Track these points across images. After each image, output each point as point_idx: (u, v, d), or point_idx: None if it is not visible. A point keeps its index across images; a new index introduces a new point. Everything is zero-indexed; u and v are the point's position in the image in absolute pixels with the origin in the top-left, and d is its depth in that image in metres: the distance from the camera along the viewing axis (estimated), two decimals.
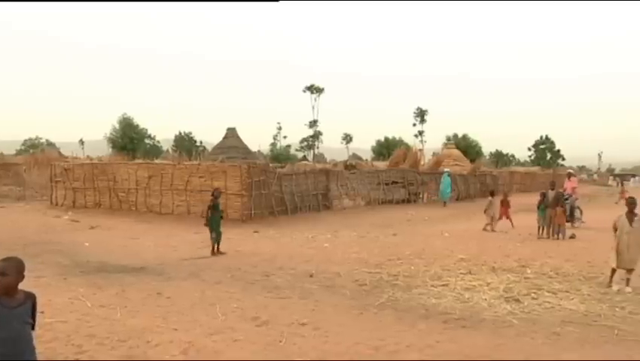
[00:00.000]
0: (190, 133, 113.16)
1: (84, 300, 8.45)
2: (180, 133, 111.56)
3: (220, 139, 32.52)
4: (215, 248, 13.29)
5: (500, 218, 19.62)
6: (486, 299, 8.89)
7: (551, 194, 17.84)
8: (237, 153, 30.12)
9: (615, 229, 10.11)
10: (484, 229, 18.82)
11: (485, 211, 19.51)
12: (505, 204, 20.13)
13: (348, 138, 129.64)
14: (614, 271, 9.99)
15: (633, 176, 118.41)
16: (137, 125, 64.93)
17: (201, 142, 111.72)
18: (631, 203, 10.25)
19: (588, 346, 6.73)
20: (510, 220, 19.80)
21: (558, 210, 17.19)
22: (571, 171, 28.48)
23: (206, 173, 21.87)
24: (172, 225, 19.48)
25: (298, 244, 15.10)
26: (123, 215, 22.24)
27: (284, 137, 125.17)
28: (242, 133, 32.39)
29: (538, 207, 17.80)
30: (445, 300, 8.84)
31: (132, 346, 6.41)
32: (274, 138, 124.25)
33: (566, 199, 18.98)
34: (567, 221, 18.41)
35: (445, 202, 31.43)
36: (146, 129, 71.33)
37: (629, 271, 9.90)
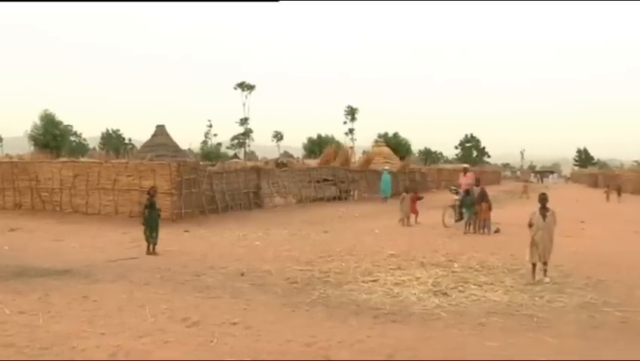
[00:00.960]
0: (118, 130, 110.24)
1: (2, 307, 8.04)
2: (107, 130, 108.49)
3: (149, 137, 31.70)
4: (151, 248, 12.99)
5: (412, 213, 20.47)
6: (415, 293, 9.11)
7: (476, 190, 18.42)
8: (167, 151, 29.39)
9: (530, 225, 10.56)
10: (402, 224, 19.57)
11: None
12: (414, 200, 20.89)
13: (279, 136, 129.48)
14: (534, 265, 10.43)
15: (552, 173, 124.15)
16: (60, 122, 62.40)
17: (130, 140, 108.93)
18: (543, 199, 10.72)
19: (510, 334, 7.01)
20: (416, 216, 20.72)
21: (483, 206, 17.79)
22: (466, 165, 26.49)
23: (135, 172, 21.30)
24: (98, 225, 18.88)
25: (229, 243, 14.98)
26: (47, 216, 21.37)
27: (215, 135, 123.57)
28: (171, 130, 31.62)
29: (463, 204, 18.38)
30: (375, 295, 9.00)
31: (57, 353, 6.16)
32: (205, 136, 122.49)
33: (467, 195, 19.16)
34: (457, 220, 18.97)
35: (386, 199, 31.84)
36: (71, 126, 68.91)
37: (545, 263, 10.40)
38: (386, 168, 36.26)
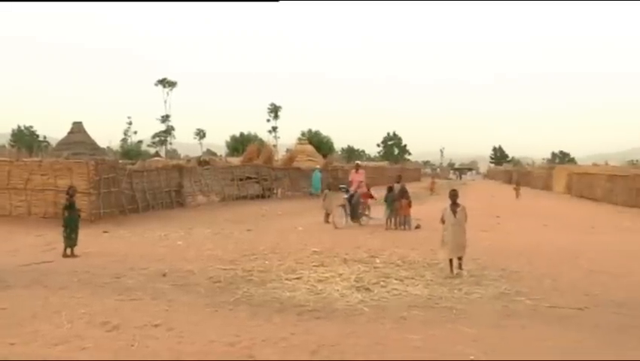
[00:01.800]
0: (31, 127, 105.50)
1: None
2: (19, 127, 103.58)
3: (66, 134, 30.45)
4: (69, 251, 12.48)
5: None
6: (338, 290, 9.22)
7: (397, 187, 18.86)
8: (84, 149, 28.33)
9: (443, 222, 10.92)
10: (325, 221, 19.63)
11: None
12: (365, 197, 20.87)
13: (201, 134, 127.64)
14: (450, 260, 10.75)
15: (470, 170, 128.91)
16: None
17: (45, 137, 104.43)
18: (453, 195, 11.06)
19: (430, 326, 7.24)
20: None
21: (403, 202, 18.24)
22: (358, 162, 24.89)
23: (49, 170, 20.39)
24: (9, 228, 17.95)
25: (150, 243, 14.64)
26: None
27: (135, 132, 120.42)
28: (89, 128, 30.49)
29: (385, 200, 18.78)
30: (299, 293, 9.05)
31: None
32: (124, 134, 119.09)
33: (352, 195, 19.00)
34: (355, 218, 18.89)
35: (317, 195, 32.02)
36: None
37: (460, 258, 10.76)
38: (317, 167, 36.84)
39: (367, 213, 19.59)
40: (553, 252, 13.82)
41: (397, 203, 18.29)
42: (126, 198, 21.92)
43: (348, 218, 18.85)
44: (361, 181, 19.37)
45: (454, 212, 10.84)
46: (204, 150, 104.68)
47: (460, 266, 10.68)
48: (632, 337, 7.09)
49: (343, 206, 18.91)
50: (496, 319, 7.72)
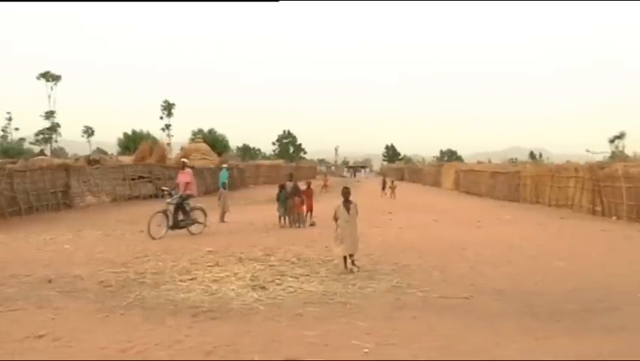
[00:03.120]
0: None
1: None
2: None
3: None
4: None
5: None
6: (233, 289, 9.16)
7: (289, 185, 18.89)
8: None
9: (336, 219, 11.14)
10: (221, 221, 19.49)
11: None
12: (308, 195, 20.49)
13: (89, 131, 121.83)
14: (345, 257, 10.93)
15: (364, 167, 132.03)
16: None
17: None
18: (345, 193, 11.28)
19: (325, 321, 7.36)
20: (310, 212, 19.78)
21: (296, 200, 18.36)
22: (185, 160, 20.25)
23: None
24: None
25: (35, 248, 13.82)
26: None
27: (17, 129, 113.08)
28: None
29: (278, 199, 18.77)
30: (194, 294, 8.90)
31: None
32: (3, 130, 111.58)
33: (185, 199, 16.26)
34: (180, 227, 16.00)
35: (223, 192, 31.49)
36: None
37: (352, 255, 10.96)
38: (225, 165, 36.38)
39: (300, 218, 18.75)
40: (442, 246, 14.46)
41: (291, 201, 18.38)
42: (7, 200, 20.63)
43: (167, 228, 15.68)
44: (189, 183, 16.57)
45: (347, 209, 11.05)
46: (93, 148, 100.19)
47: (353, 263, 10.90)
48: (511, 320, 7.64)
49: (164, 212, 15.75)
50: (389, 311, 7.98)
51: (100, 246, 13.85)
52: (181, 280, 9.81)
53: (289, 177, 20.09)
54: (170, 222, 15.74)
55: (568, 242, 15.99)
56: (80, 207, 24.82)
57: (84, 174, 26.75)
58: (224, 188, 21.54)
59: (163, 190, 17.94)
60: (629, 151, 45.40)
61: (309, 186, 20.34)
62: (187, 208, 16.30)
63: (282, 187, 18.98)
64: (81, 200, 25.80)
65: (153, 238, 14.76)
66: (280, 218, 18.57)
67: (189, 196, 16.49)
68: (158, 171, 32.64)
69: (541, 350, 6.33)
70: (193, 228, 16.30)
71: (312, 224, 18.52)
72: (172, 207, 15.84)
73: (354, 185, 41.82)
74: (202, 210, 16.98)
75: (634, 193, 23.28)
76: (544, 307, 8.48)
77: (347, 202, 11.13)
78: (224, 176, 33.80)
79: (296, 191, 18.60)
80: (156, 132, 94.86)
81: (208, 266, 11.04)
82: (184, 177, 16.72)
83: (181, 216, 16.00)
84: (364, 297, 8.84)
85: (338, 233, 10.93)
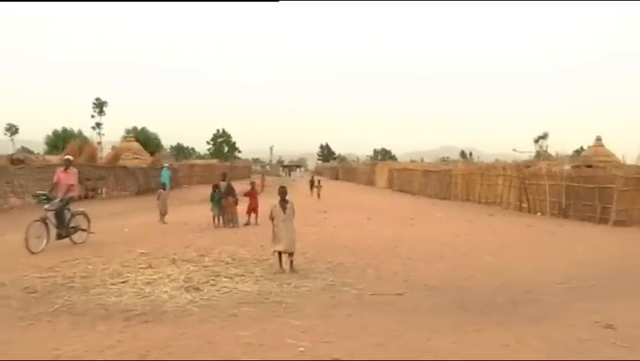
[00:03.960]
0: None
1: None
2: None
3: None
4: None
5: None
6: (167, 291, 8.99)
7: (223, 185, 18.69)
8: None
9: (272, 218, 11.13)
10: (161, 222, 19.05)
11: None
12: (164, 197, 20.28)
13: (13, 129, 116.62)
14: (280, 255, 10.93)
15: (299, 167, 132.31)
16: None
17: None
18: (282, 192, 11.27)
19: (260, 321, 7.32)
20: (256, 215, 19.08)
21: (230, 200, 18.20)
22: (69, 157, 16.03)
23: None
24: None
25: None
26: None
27: None
28: None
29: (212, 199, 18.56)
30: (125, 297, 8.66)
31: None
32: None
33: (66, 203, 14.08)
34: (62, 236, 13.85)
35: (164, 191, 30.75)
36: None
37: (291, 254, 10.98)
38: (166, 164, 35.82)
39: (234, 218, 18.33)
40: (376, 243, 14.68)
41: (225, 201, 18.20)
42: None
43: (51, 237, 13.50)
44: (72, 185, 14.28)
45: (284, 208, 11.05)
46: (18, 147, 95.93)
47: (291, 264, 10.88)
48: (443, 315, 7.87)
49: (43, 220, 13.36)
50: (324, 309, 8.03)
51: (24, 250, 13.24)
52: (112, 284, 9.53)
53: (222, 176, 19.85)
54: (51, 232, 13.49)
55: (497, 238, 16.59)
56: (3, 210, 23.75)
57: (7, 174, 25.61)
58: (164, 188, 21.07)
59: (38, 196, 14.98)
60: (551, 150, 47.38)
61: (253, 187, 20.08)
62: (69, 215, 14.16)
63: (216, 187, 18.78)
64: (4, 202, 24.70)
65: (32, 253, 12.47)
66: (214, 218, 18.37)
67: (71, 200, 14.40)
68: (88, 171, 31.61)
69: (472, 342, 6.53)
70: (76, 236, 14.31)
71: (247, 223, 18.41)
72: (51, 215, 13.59)
73: (289, 184, 41.77)
74: (85, 215, 14.94)
75: (556, 190, 24.48)
76: (474, 301, 8.78)
77: (284, 202, 11.12)
78: (164, 175, 33.32)
79: (229, 191, 18.44)
80: (88, 131, 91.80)
81: (141, 268, 10.77)
82: (67, 177, 14.28)
83: (64, 224, 13.87)
84: (299, 296, 8.87)
85: (275, 233, 10.90)
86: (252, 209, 18.95)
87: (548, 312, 8.09)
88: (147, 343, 6.43)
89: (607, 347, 6.40)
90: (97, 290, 9.11)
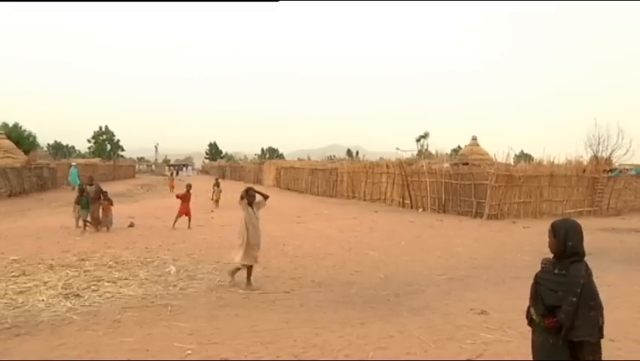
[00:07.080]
0: None
1: None
2: None
3: None
4: None
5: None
6: (43, 300, 8.48)
7: (91, 189, 17.53)
8: None
9: (243, 209, 10.01)
10: (79, 227, 17.54)
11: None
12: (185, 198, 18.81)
13: None
14: (239, 268, 9.79)
15: (186, 166, 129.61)
16: None
17: None
18: (251, 195, 10.18)
19: (146, 326, 7.11)
20: (189, 218, 18.34)
21: (104, 203, 17.26)
22: None
23: None
24: None
25: None
26: None
27: None
28: None
29: (79, 202, 17.38)
30: None
31: None
32: None
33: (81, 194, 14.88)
34: None
35: (74, 187, 29.00)
36: None
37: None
38: (74, 163, 33.87)
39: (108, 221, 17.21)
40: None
41: (96, 204, 17.14)
42: None
43: None
44: None
45: (254, 211, 10.09)
46: None
47: (250, 277, 9.72)
48: (329, 310, 8.07)
49: None
50: (211, 310, 7.95)
51: None
52: None
53: (89, 180, 18.33)
54: None
55: (381, 233, 17.16)
56: None
57: None
58: (78, 184, 19.26)
59: None
60: (432, 149, 49.56)
61: (188, 190, 19.14)
62: None
63: (82, 192, 17.47)
64: None
65: None
66: (78, 220, 17.21)
67: None
68: None
69: (358, 335, 6.72)
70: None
71: (132, 225, 17.72)
72: None
73: (178, 184, 40.82)
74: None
75: (436, 187, 25.77)
76: (359, 295, 9.05)
77: (250, 205, 10.07)
78: (74, 174, 31.50)
79: (99, 194, 17.28)
80: None
81: (13, 276, 10.04)
82: None
83: None
84: (185, 298, 8.72)
85: (247, 239, 9.71)
86: (185, 212, 18.27)
87: (429, 302, 8.52)
88: (19, 358, 6.02)
89: (481, 331, 6.90)
90: None
